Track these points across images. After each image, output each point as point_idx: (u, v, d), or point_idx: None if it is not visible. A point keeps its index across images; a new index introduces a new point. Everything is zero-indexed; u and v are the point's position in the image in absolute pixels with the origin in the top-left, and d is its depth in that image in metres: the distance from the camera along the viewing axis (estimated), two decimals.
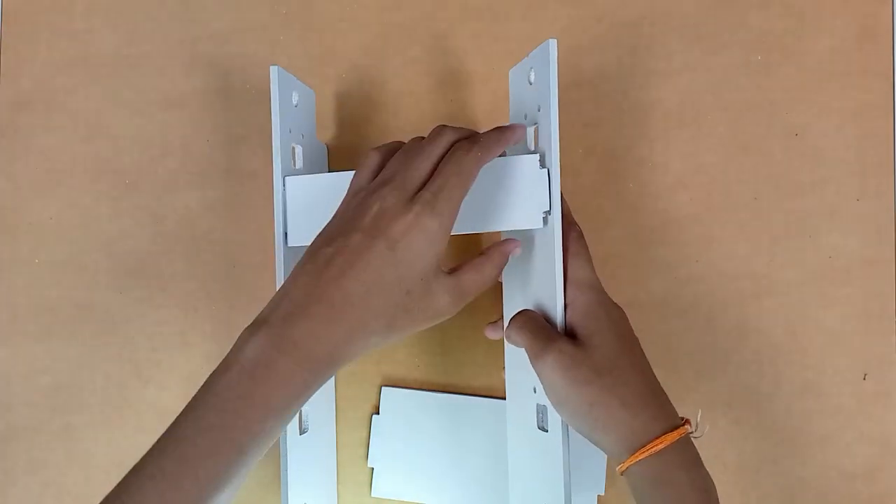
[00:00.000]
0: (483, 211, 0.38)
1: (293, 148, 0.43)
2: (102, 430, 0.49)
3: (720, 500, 0.49)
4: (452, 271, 0.36)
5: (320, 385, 0.33)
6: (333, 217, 0.37)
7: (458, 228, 0.38)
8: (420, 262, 0.34)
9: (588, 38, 0.51)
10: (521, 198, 0.39)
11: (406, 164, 0.36)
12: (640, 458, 0.34)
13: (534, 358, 0.37)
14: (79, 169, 0.50)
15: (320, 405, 0.46)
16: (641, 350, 0.37)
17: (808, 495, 0.49)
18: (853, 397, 0.49)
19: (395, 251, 0.33)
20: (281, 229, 0.40)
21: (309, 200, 0.40)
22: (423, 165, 0.36)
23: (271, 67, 0.40)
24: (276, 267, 0.40)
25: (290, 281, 0.34)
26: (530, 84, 0.41)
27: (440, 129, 0.37)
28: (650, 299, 0.50)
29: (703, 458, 0.48)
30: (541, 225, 0.39)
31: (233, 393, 0.31)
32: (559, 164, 0.38)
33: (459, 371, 0.49)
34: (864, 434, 0.49)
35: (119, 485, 0.30)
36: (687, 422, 0.36)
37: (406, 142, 0.39)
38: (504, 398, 0.48)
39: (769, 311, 0.50)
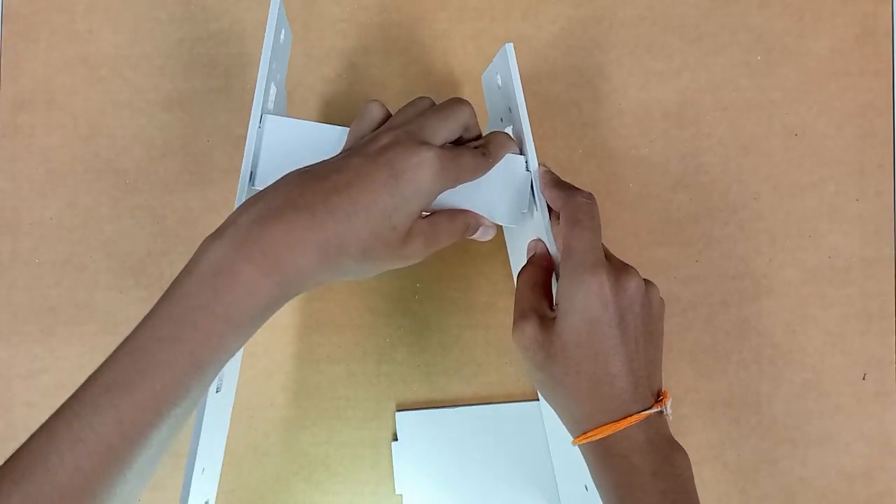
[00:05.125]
0: (468, 202, 0.38)
1: (271, 86, 0.40)
2: None
3: (719, 499, 0.49)
4: (426, 217, 0.36)
5: (284, 302, 0.30)
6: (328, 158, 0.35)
7: None
8: (416, 200, 0.32)
9: (588, 38, 0.51)
10: (506, 195, 0.39)
11: (423, 118, 0.35)
12: (581, 442, 0.35)
13: (512, 327, 0.37)
14: (79, 169, 0.50)
15: (231, 363, 0.42)
16: (616, 335, 0.34)
17: (808, 495, 0.49)
18: (853, 397, 0.49)
19: (398, 182, 0.32)
20: (248, 168, 0.36)
21: (284, 144, 0.38)
22: (441, 130, 0.35)
23: (272, 1, 0.37)
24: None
25: (270, 187, 0.31)
26: (499, 88, 0.41)
27: (459, 101, 0.36)
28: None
29: (703, 458, 0.48)
30: (515, 225, 0.39)
31: (192, 303, 0.29)
32: (536, 159, 0.39)
33: (459, 371, 0.49)
34: (863, 434, 0.49)
35: (72, 396, 0.28)
36: (657, 403, 0.35)
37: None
38: (513, 400, 0.49)
39: (769, 311, 0.50)
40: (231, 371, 0.43)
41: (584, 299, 0.34)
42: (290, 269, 0.29)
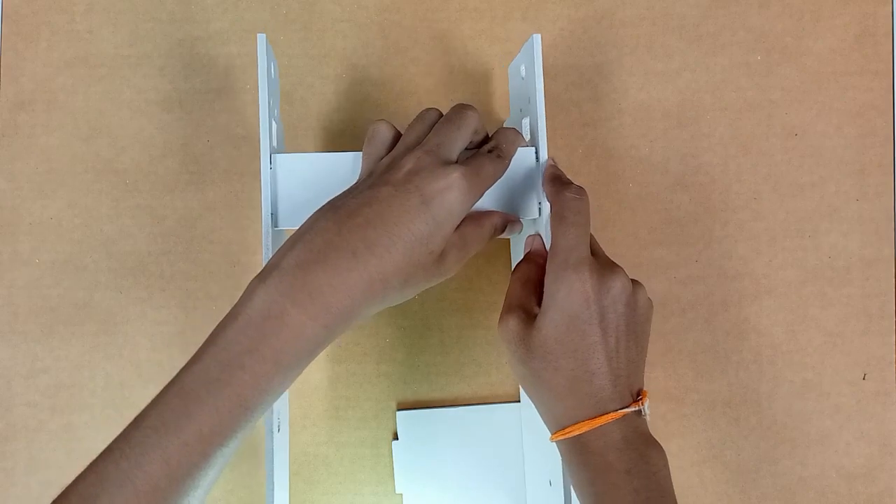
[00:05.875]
0: (488, 201, 0.39)
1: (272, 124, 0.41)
2: (103, 430, 0.49)
3: (719, 499, 0.49)
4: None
5: (332, 340, 0.31)
6: (351, 187, 0.35)
7: None
8: (449, 222, 0.33)
9: (588, 38, 0.51)
10: (518, 188, 0.39)
11: (438, 134, 0.35)
12: (558, 438, 0.35)
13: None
14: (79, 169, 0.50)
15: (283, 401, 0.44)
16: (597, 333, 0.34)
17: (808, 495, 0.49)
18: (853, 397, 0.49)
19: (430, 208, 0.32)
20: (269, 210, 0.37)
21: (298, 180, 0.38)
22: (457, 142, 0.35)
23: (259, 35, 0.38)
24: (263, 252, 0.37)
25: (306, 228, 0.32)
26: (522, 78, 0.42)
27: (464, 108, 0.36)
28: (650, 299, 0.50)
29: (703, 458, 0.48)
30: (537, 215, 0.39)
31: (240, 346, 0.29)
32: (546, 150, 0.39)
33: (459, 370, 0.49)
34: (863, 434, 0.49)
35: (120, 436, 0.29)
36: (635, 402, 0.35)
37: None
38: (514, 400, 0.49)
39: (769, 311, 0.50)
40: (284, 409, 0.44)
41: (565, 296, 0.35)
42: (337, 311, 0.30)
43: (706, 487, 0.49)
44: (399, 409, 0.49)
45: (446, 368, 0.49)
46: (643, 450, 0.34)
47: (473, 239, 0.36)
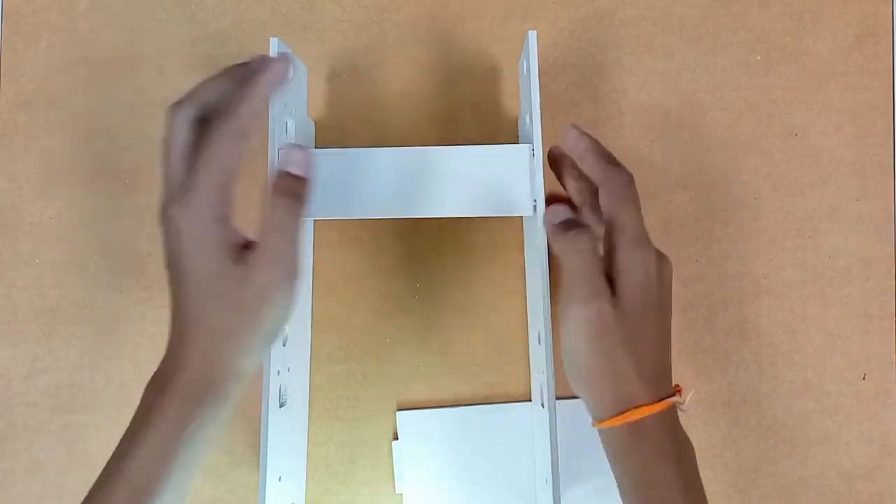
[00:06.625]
0: (473, 195, 0.39)
1: (286, 122, 0.42)
2: (103, 430, 0.49)
3: (719, 499, 0.49)
4: (242, 253, 0.35)
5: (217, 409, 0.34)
6: None
7: (448, 212, 0.39)
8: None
9: (588, 38, 0.51)
10: (513, 185, 0.39)
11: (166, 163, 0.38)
12: (618, 423, 0.34)
13: (571, 301, 0.35)
14: (79, 169, 0.50)
15: (296, 379, 0.45)
16: (666, 317, 0.35)
17: (807, 495, 0.49)
18: (853, 397, 0.49)
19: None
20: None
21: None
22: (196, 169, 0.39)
23: (271, 39, 0.39)
24: None
25: None
26: (525, 74, 0.43)
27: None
28: None
29: (703, 458, 0.48)
30: (531, 213, 0.39)
31: (129, 433, 0.35)
32: (541, 146, 0.39)
33: (459, 370, 0.49)
34: (863, 434, 0.49)
35: None
36: (677, 392, 0.35)
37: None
38: (513, 400, 0.49)
39: (769, 311, 0.50)
40: (298, 389, 0.46)
41: (642, 278, 0.34)
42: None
43: (706, 487, 0.49)
44: (399, 409, 0.49)
45: (446, 368, 0.49)
46: (683, 438, 0.35)
47: (279, 245, 0.37)
